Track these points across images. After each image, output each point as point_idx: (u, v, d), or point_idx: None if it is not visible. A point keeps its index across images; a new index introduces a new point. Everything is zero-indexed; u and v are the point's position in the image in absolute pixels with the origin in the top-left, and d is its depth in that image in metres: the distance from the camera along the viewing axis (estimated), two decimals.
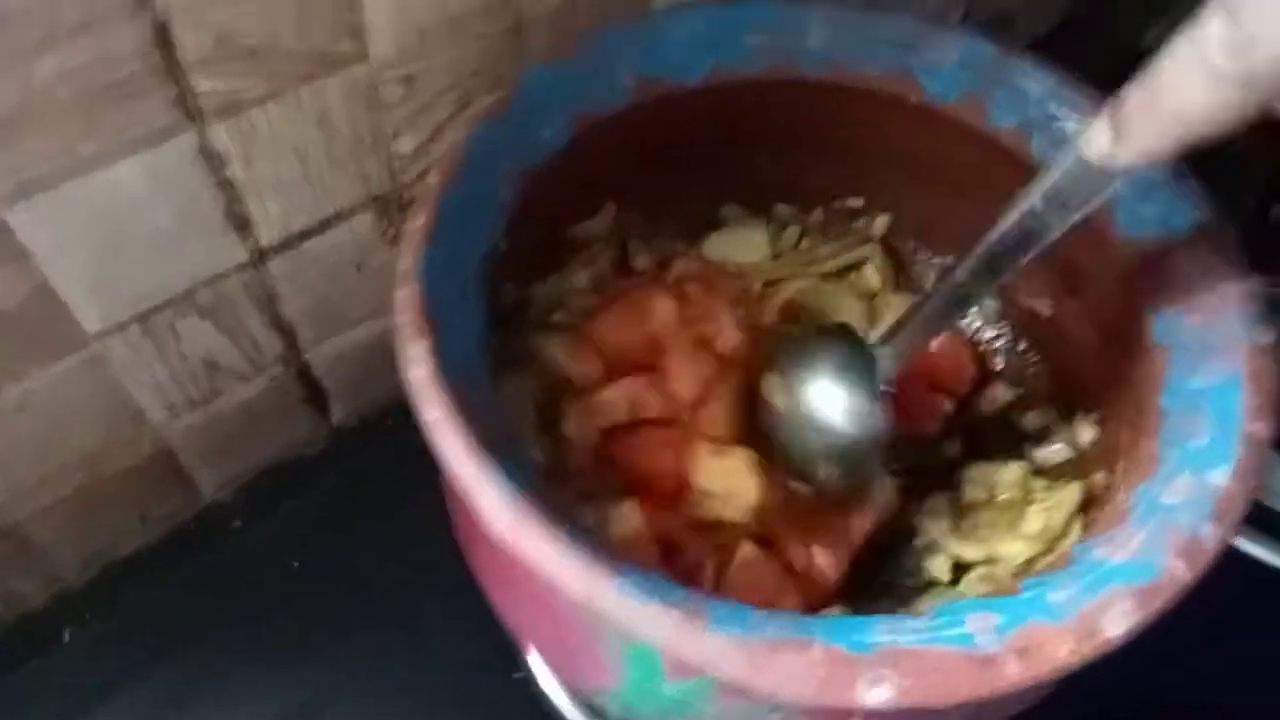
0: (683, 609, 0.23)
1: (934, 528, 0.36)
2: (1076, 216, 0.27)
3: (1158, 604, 0.24)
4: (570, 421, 0.36)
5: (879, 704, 0.22)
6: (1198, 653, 0.36)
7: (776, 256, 0.42)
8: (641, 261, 0.40)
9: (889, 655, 0.23)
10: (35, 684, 0.42)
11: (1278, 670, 0.43)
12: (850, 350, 0.35)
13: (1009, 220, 0.29)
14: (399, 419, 0.49)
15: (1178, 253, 0.30)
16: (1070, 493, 0.33)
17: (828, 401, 0.35)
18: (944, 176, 0.37)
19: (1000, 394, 0.39)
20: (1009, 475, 0.36)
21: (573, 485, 0.35)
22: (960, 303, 0.32)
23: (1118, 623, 0.23)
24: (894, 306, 0.40)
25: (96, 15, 0.29)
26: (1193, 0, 0.22)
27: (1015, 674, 0.23)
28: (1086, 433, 0.35)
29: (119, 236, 0.35)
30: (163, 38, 0.31)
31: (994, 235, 0.29)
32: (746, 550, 0.35)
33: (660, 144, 0.36)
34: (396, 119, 0.39)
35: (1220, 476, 0.25)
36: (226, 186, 0.37)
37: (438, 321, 0.27)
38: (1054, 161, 0.27)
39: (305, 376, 0.47)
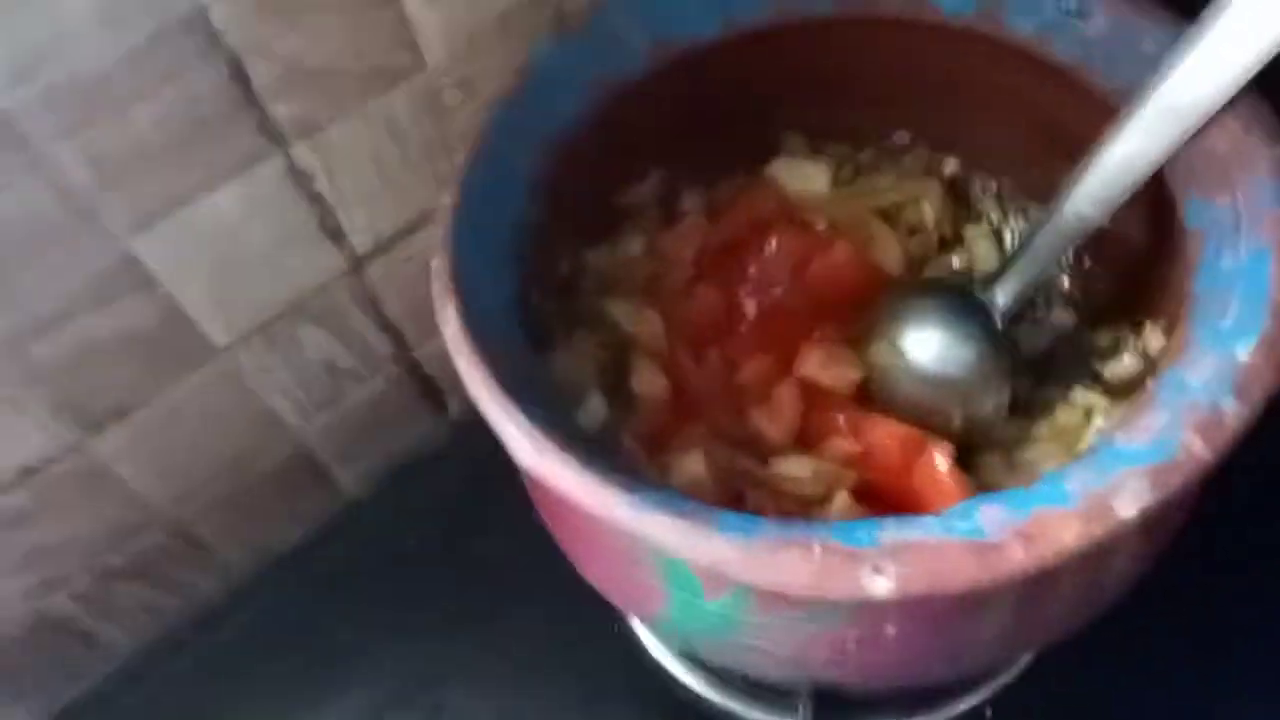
0: (691, 518, 0.24)
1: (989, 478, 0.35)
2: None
3: (1175, 482, 0.23)
4: (637, 376, 0.38)
5: (882, 594, 0.23)
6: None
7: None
8: (689, 203, 0.41)
9: (889, 548, 0.23)
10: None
11: None
12: (962, 300, 0.36)
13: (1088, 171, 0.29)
14: None
15: (1209, 134, 0.29)
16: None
17: (949, 352, 0.35)
18: (980, 97, 0.37)
19: (1062, 318, 0.38)
20: (1075, 402, 0.35)
21: (642, 442, 0.36)
22: (1063, 240, 0.32)
23: (1130, 503, 0.23)
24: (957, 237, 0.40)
25: (178, 63, 0.33)
26: None
27: (1019, 559, 0.23)
28: (1155, 340, 0.34)
29: (229, 255, 0.39)
30: (238, 73, 0.35)
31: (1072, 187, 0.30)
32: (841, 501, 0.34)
33: (692, 105, 0.37)
34: (460, 120, 0.42)
35: (1244, 351, 0.24)
36: (317, 200, 0.40)
37: (467, 286, 0.29)
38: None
39: (417, 373, 0.50)
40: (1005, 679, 0.39)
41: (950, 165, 0.41)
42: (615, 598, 0.32)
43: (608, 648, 0.43)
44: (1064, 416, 0.35)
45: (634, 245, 0.39)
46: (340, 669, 0.46)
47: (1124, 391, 0.34)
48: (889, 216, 0.40)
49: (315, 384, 0.47)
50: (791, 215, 0.39)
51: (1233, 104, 0.28)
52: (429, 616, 0.46)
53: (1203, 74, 0.28)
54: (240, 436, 0.46)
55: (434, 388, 0.52)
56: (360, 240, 0.43)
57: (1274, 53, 0.26)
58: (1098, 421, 0.34)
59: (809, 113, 0.40)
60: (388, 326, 0.47)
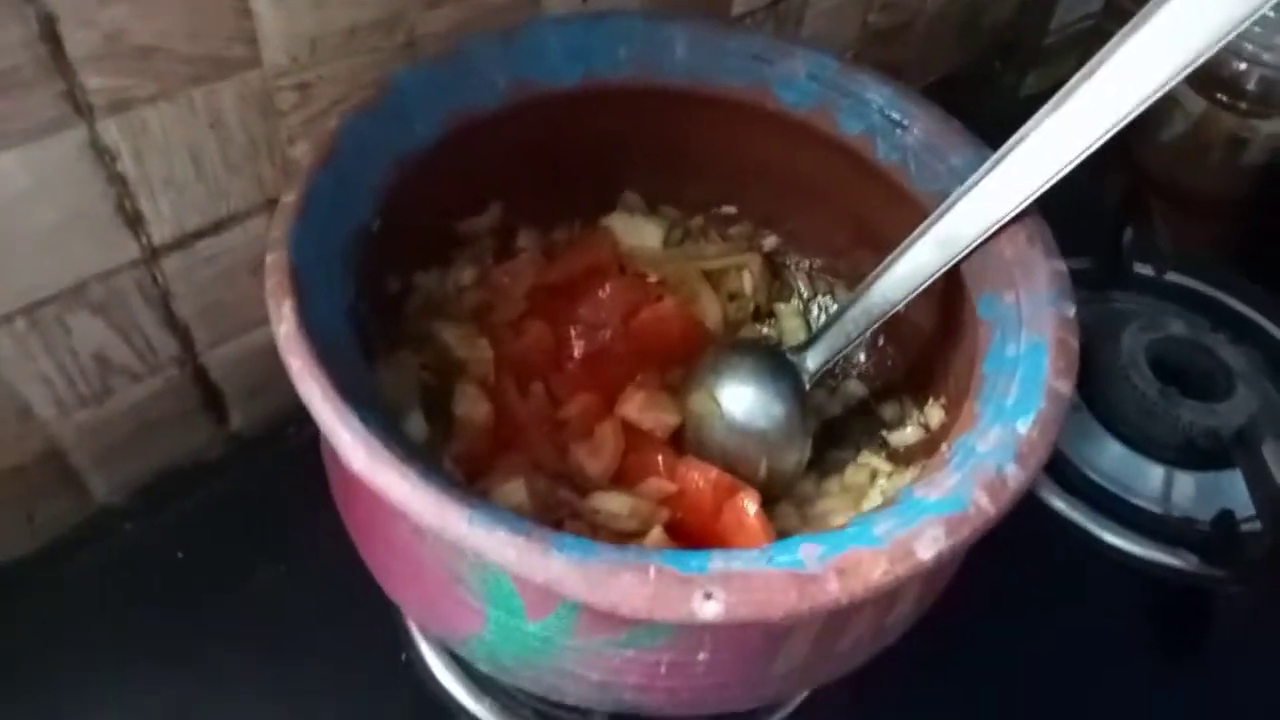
0: (529, 536, 0.25)
1: (783, 524, 0.37)
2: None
3: (965, 532, 0.26)
4: (460, 401, 0.37)
5: (710, 618, 0.24)
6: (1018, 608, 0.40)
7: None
8: (524, 240, 0.42)
9: (720, 575, 0.25)
10: None
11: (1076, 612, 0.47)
12: (774, 360, 0.38)
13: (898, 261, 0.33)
14: (299, 428, 0.50)
15: (1000, 241, 0.33)
16: (909, 476, 0.36)
17: (760, 407, 0.38)
18: (803, 183, 0.40)
19: (854, 389, 0.42)
20: (862, 464, 0.39)
21: (461, 464, 0.36)
22: (870, 318, 0.36)
23: (928, 547, 0.26)
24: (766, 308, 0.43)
25: None
26: (1067, 53, 0.25)
27: (835, 590, 0.25)
28: (936, 416, 0.38)
29: (2, 227, 0.35)
30: (50, 33, 0.32)
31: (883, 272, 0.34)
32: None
33: (540, 148, 0.38)
34: (291, 125, 0.41)
35: (1024, 425, 0.28)
36: (117, 181, 0.37)
37: (304, 286, 0.28)
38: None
39: (202, 379, 0.47)
40: (782, 714, 0.41)
41: (769, 241, 0.44)
42: (424, 617, 0.31)
43: (393, 678, 0.41)
44: (852, 476, 0.38)
45: (466, 274, 0.39)
46: (76, 705, 0.41)
47: (905, 458, 0.38)
48: (713, 280, 0.43)
49: (81, 377, 0.43)
50: (625, 266, 0.41)
51: (1019, 219, 0.33)
52: (182, 645, 0.42)
53: (980, 213, 0.33)
54: None
55: (217, 396, 0.49)
56: (161, 231, 0.41)
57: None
58: (881, 482, 0.37)
59: (649, 175, 0.42)
60: (176, 325, 0.44)
